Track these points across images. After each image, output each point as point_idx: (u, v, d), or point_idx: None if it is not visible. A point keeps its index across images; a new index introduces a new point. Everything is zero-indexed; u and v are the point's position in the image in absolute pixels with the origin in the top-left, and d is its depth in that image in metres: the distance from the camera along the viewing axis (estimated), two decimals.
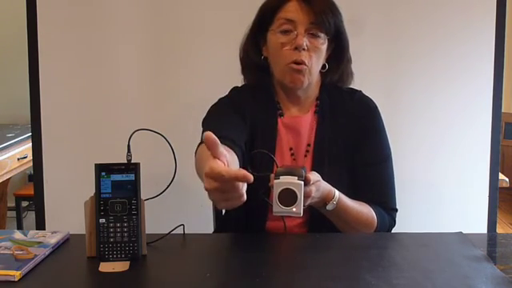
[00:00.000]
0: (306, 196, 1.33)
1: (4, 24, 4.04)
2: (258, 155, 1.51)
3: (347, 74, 1.61)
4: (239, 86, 1.66)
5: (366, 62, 2.00)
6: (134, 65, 2.05)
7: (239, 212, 1.38)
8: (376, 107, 1.62)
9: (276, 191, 1.31)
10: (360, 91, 1.64)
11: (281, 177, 1.32)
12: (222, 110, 1.58)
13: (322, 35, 1.52)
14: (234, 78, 1.67)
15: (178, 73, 2.05)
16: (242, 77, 1.66)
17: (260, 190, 1.41)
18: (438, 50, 2.03)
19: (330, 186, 1.43)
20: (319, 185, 1.39)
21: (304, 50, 1.49)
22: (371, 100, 1.63)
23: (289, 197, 1.31)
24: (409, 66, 2.05)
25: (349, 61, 1.61)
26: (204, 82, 2.03)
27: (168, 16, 2.04)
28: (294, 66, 1.50)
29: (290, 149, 1.57)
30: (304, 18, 1.50)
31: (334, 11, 1.54)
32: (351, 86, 1.65)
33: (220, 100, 1.61)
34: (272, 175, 1.35)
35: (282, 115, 1.59)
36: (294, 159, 1.57)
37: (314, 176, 1.38)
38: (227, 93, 1.64)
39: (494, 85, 2.04)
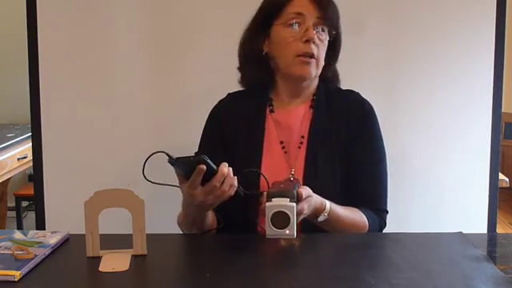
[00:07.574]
0: (298, 213, 1.34)
1: (4, 24, 4.05)
2: (243, 166, 1.51)
3: (334, 73, 1.66)
4: (232, 92, 1.68)
5: (366, 61, 2.00)
6: (134, 65, 2.05)
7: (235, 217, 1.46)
8: (371, 109, 1.62)
9: (268, 214, 1.31)
10: (358, 93, 1.65)
11: (273, 199, 1.32)
12: (204, 141, 1.64)
13: (326, 30, 1.56)
14: (233, 77, 1.67)
15: (178, 73, 2.05)
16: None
17: (252, 207, 1.46)
18: (438, 50, 2.03)
19: (321, 198, 1.44)
20: (310, 200, 1.39)
21: (314, 42, 1.52)
22: (368, 102, 1.63)
23: (282, 219, 1.31)
24: (409, 66, 2.05)
25: (336, 60, 1.65)
26: (204, 82, 2.02)
27: (168, 16, 2.04)
28: (304, 59, 1.53)
29: (281, 142, 1.59)
30: (312, 12, 1.53)
31: (336, 10, 1.59)
32: (351, 88, 1.66)
33: (207, 121, 1.65)
34: (264, 194, 1.35)
35: (272, 111, 1.61)
36: (286, 152, 1.58)
37: (306, 191, 1.38)
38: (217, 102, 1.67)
39: (493, 85, 2.03)
